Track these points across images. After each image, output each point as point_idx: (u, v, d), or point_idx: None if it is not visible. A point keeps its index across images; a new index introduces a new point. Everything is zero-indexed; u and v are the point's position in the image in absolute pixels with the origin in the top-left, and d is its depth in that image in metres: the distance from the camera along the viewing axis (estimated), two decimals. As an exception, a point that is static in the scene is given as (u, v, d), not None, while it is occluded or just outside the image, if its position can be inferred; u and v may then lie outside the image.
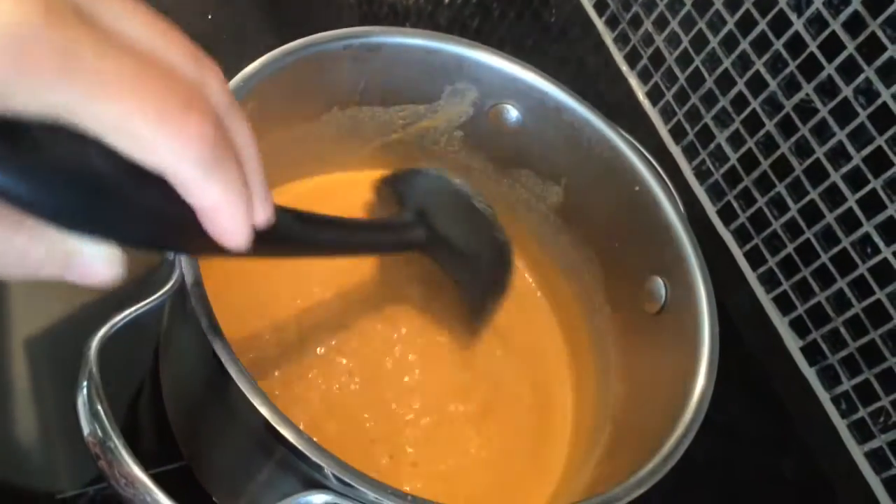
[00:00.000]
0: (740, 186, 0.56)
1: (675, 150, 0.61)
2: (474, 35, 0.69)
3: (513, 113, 0.43)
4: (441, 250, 0.41)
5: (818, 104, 0.51)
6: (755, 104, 0.55)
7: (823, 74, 0.50)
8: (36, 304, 0.42)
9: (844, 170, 0.50)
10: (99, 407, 0.29)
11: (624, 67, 0.65)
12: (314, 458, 0.28)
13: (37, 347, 0.40)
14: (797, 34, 0.51)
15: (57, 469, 0.39)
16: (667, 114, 0.62)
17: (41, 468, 0.39)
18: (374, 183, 0.43)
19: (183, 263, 0.31)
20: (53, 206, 0.18)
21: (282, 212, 0.32)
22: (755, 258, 0.56)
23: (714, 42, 0.57)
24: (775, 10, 0.52)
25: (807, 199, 0.52)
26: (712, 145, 0.58)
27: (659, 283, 0.39)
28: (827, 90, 0.50)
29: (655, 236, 0.39)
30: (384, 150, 0.46)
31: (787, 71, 0.52)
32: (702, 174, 0.59)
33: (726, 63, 0.56)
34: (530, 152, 0.44)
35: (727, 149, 0.57)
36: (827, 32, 0.50)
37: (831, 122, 0.50)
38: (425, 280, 0.44)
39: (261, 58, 0.36)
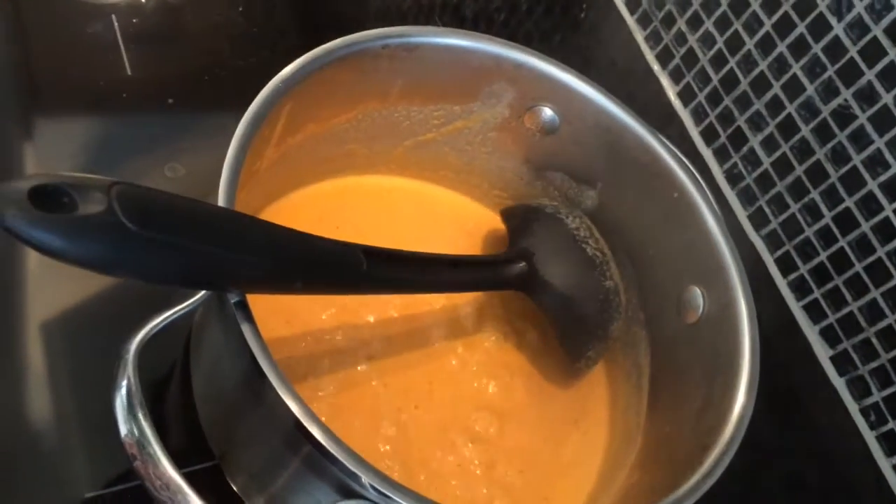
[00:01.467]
0: (773, 191, 0.56)
1: (706, 153, 0.60)
2: (501, 28, 0.68)
3: (549, 115, 0.42)
4: (541, 290, 0.41)
5: (857, 110, 0.50)
6: (791, 108, 0.54)
7: (863, 80, 0.49)
8: (52, 288, 0.41)
9: (882, 178, 0.49)
10: (137, 408, 0.28)
11: (655, 66, 0.64)
12: (352, 467, 0.28)
13: (53, 332, 0.40)
14: (837, 38, 0.50)
15: (74, 466, 0.38)
16: (698, 115, 0.61)
17: (60, 466, 0.38)
18: (502, 212, 0.45)
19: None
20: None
21: (366, 250, 0.32)
22: (786, 265, 0.55)
23: (750, 44, 0.56)
24: (815, 13, 0.51)
25: (842, 206, 0.52)
26: (745, 149, 0.57)
27: (697, 294, 0.38)
28: (866, 96, 0.49)
29: (694, 245, 0.38)
30: (416, 150, 0.45)
31: (826, 76, 0.51)
32: (733, 177, 0.58)
33: (762, 66, 0.55)
34: (566, 155, 0.44)
35: (760, 153, 0.56)
36: (868, 38, 0.49)
37: (870, 129, 0.49)
38: (515, 311, 0.44)
39: (299, 58, 0.36)
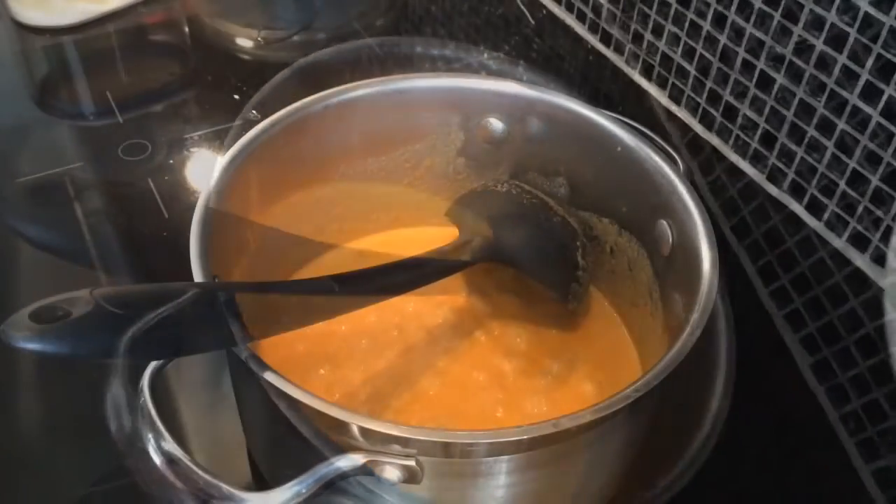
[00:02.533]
0: (756, 202, 0.58)
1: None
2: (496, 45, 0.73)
3: (497, 125, 0.45)
4: (505, 250, 0.43)
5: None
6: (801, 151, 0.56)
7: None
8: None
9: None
10: (128, 406, 0.30)
11: (653, 91, 0.67)
12: (337, 416, 0.29)
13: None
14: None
15: (64, 465, 0.41)
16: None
17: (50, 465, 0.41)
18: (447, 210, 0.46)
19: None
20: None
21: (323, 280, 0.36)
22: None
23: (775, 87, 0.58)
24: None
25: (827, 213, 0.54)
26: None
27: (664, 226, 0.40)
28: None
29: (656, 187, 0.40)
30: (401, 202, 0.47)
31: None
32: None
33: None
34: (526, 155, 0.46)
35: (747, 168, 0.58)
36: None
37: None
38: (494, 285, 0.46)
39: (242, 138, 0.39)
